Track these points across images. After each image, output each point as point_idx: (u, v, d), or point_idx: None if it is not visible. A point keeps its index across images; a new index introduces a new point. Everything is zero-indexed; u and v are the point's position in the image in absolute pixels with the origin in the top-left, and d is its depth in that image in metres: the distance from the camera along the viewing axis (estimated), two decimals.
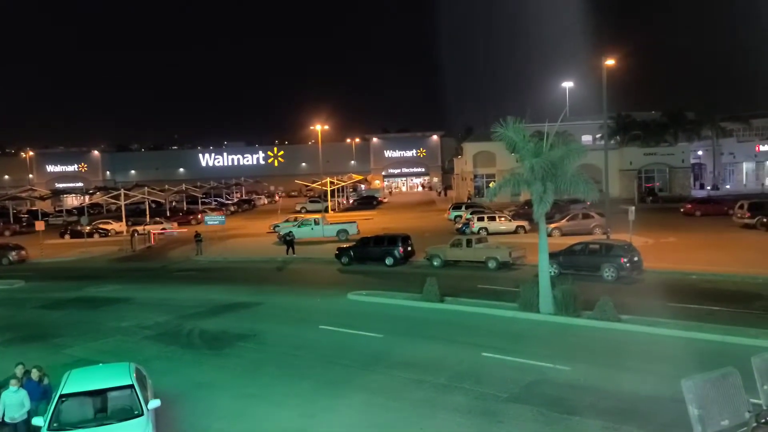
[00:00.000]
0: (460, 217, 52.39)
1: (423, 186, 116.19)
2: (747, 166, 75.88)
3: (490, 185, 72.39)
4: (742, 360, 16.06)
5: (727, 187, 73.37)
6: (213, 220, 50.14)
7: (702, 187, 74.34)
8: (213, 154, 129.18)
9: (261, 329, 21.61)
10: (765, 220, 39.88)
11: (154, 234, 52.23)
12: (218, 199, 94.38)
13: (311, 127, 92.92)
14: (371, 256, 35.00)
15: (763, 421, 5.59)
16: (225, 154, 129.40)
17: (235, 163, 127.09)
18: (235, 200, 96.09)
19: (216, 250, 44.23)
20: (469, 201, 66.89)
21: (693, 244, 36.09)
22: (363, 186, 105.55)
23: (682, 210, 51.80)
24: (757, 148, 73.16)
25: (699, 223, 45.59)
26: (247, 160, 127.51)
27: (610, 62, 36.91)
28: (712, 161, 74.29)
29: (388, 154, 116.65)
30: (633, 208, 34.15)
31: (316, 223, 47.83)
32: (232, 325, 22.40)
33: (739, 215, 42.76)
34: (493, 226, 44.74)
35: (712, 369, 14.43)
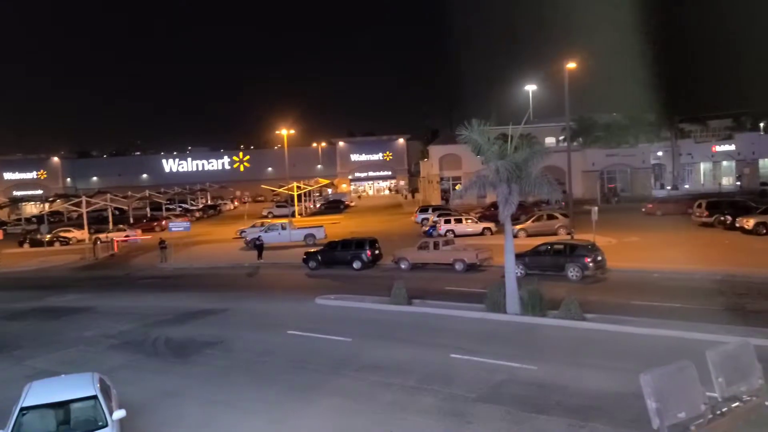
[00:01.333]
0: (427, 219, 52.66)
1: (390, 189, 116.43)
2: (704, 166, 77.85)
3: (456, 188, 73.02)
4: (701, 355, 16.46)
5: (686, 186, 75.08)
6: (177, 226, 49.53)
7: (662, 187, 75.94)
8: (177, 160, 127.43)
9: (228, 336, 21.40)
10: (722, 218, 40.95)
11: (117, 241, 51.36)
12: (183, 205, 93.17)
13: (276, 132, 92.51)
14: (339, 260, 34.94)
15: (718, 412, 5.76)
16: (189, 159, 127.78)
17: (200, 168, 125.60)
18: (201, 206, 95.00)
19: (181, 257, 43.66)
20: (444, 203, 67.40)
21: (655, 243, 36.87)
22: (330, 190, 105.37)
23: (643, 210, 52.88)
24: (713, 149, 75.13)
25: (660, 222, 46.58)
26: (212, 165, 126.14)
27: (572, 65, 37.57)
28: (671, 162, 75.99)
29: (354, 157, 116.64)
30: (596, 208, 34.77)
31: (283, 227, 47.59)
32: (199, 333, 22.14)
33: (697, 214, 43.83)
34: (459, 228, 45.07)
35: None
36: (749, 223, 37.75)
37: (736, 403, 5.96)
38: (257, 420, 13.97)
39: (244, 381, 16.69)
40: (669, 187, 74.08)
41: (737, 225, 38.80)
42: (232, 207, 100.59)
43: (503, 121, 45.01)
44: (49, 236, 54.60)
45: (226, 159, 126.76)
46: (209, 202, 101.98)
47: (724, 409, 5.82)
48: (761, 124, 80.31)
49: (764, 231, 36.50)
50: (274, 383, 16.31)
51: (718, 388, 5.73)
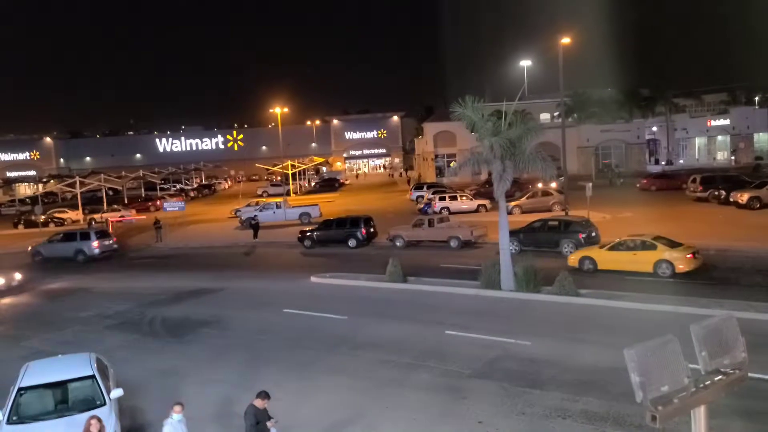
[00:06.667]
0: (422, 197, 52.66)
1: (385, 167, 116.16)
2: (699, 141, 77.78)
3: (451, 165, 72.93)
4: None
5: (681, 162, 75.14)
6: (172, 206, 49.40)
7: (657, 162, 75.99)
8: (170, 139, 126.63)
9: (224, 315, 21.49)
10: (716, 193, 41.07)
11: (111, 222, 51.21)
12: (177, 184, 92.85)
13: (270, 110, 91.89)
14: (334, 238, 34.98)
15: (701, 385, 5.89)
16: (183, 138, 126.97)
17: (194, 147, 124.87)
18: (195, 185, 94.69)
19: (177, 236, 43.64)
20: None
21: (649, 218, 36.91)
22: (325, 168, 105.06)
23: (638, 185, 52.97)
24: (708, 123, 75.04)
25: (654, 197, 46.69)
26: (206, 145, 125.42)
27: (566, 41, 37.34)
28: (666, 137, 75.95)
29: (348, 135, 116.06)
30: (590, 184, 34.83)
31: (278, 206, 47.54)
32: (195, 312, 22.23)
33: (692, 189, 43.93)
34: (454, 205, 45.12)
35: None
36: (743, 197, 37.87)
37: (719, 376, 6.09)
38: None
39: (242, 359, 16.81)
40: (664, 163, 74.13)
41: (731, 200, 38.92)
42: (226, 186, 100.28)
43: (498, 97, 44.93)
44: (43, 217, 54.39)
45: (220, 138, 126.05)
46: (204, 181, 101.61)
47: (707, 382, 5.95)
48: (756, 99, 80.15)
49: (758, 205, 36.65)
50: (271, 361, 16.44)
51: (702, 361, 5.85)
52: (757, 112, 74.18)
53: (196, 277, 29.07)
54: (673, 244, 23.42)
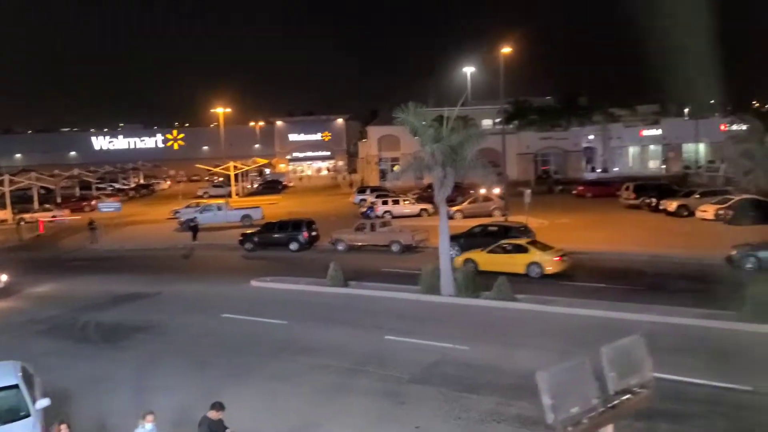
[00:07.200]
0: (365, 200, 52.77)
1: (329, 170, 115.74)
2: (633, 150, 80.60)
3: (395, 168, 73.32)
4: (622, 333, 17.24)
5: (616, 169, 77.66)
6: (108, 206, 48.13)
7: (593, 170, 78.36)
8: (107, 137, 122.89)
9: (161, 320, 21.04)
10: (647, 201, 42.68)
11: (42, 222, 49.33)
12: (114, 184, 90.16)
13: (212, 110, 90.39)
14: (275, 241, 34.67)
15: (609, 405, 6.21)
16: (121, 136, 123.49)
17: (132, 146, 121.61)
18: (133, 185, 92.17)
19: (113, 238, 42.42)
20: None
21: (584, 224, 38.16)
22: (268, 170, 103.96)
23: (574, 192, 54.52)
24: (640, 133, 77.92)
25: (590, 204, 48.16)
26: (145, 143, 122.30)
27: (507, 50, 38.19)
28: (602, 145, 78.43)
29: (293, 137, 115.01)
30: (529, 191, 35.65)
31: (219, 208, 46.82)
32: (131, 317, 21.67)
33: (625, 196, 45.54)
34: (397, 209, 45.40)
35: (596, 343, 15.42)
36: (672, 205, 39.51)
37: (627, 396, 6.43)
38: (192, 404, 13.82)
39: (178, 365, 16.50)
40: (600, 170, 76.50)
41: (661, 207, 40.54)
42: (166, 186, 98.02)
43: (443, 102, 45.42)
44: None
45: (159, 137, 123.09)
46: (142, 181, 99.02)
47: (615, 402, 6.28)
48: (685, 110, 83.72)
49: (686, 213, 38.28)
50: (208, 367, 16.19)
51: (611, 382, 6.18)
52: (686, 123, 77.49)
53: (133, 280, 28.33)
54: (544, 248, 25.19)
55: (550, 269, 24.30)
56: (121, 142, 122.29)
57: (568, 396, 5.99)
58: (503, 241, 26.09)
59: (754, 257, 24.00)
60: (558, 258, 24.62)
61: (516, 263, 24.57)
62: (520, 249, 25.08)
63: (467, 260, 25.50)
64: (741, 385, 13.40)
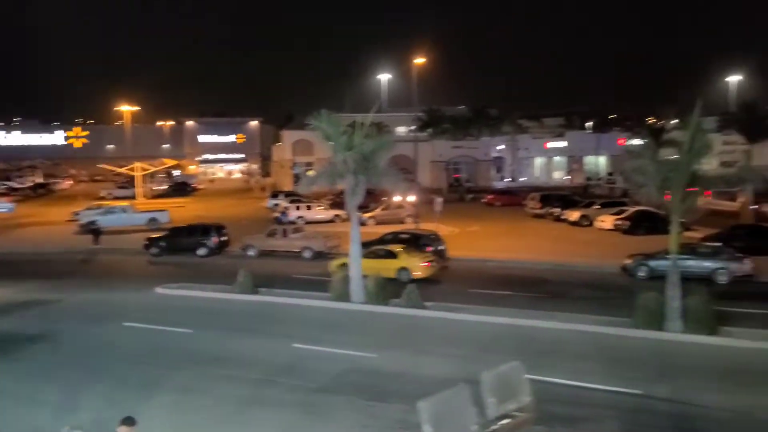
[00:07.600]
0: (278, 205, 52.13)
1: (242, 173, 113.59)
2: (539, 161, 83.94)
3: (308, 173, 72.90)
4: (528, 340, 17.87)
5: (524, 179, 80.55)
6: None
7: (502, 179, 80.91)
8: (1, 132, 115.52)
9: (58, 329, 19.92)
10: (551, 211, 44.51)
11: None
12: (7, 183, 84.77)
13: (116, 108, 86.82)
14: (183, 246, 33.68)
15: (488, 430, 6.47)
16: (17, 132, 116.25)
17: (30, 142, 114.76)
18: (30, 184, 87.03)
19: (4, 240, 39.86)
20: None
21: (493, 232, 39.32)
22: (178, 172, 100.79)
23: (484, 200, 56.09)
24: (545, 145, 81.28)
25: (499, 212, 49.68)
26: (44, 140, 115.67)
27: (421, 60, 38.89)
28: (510, 155, 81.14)
29: (204, 138, 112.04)
30: (440, 199, 36.43)
31: (124, 210, 44.98)
32: (24, 326, 20.43)
33: (531, 206, 47.31)
34: (310, 214, 45.17)
35: (503, 349, 15.88)
36: (574, 215, 41.41)
37: (506, 420, 6.71)
38: (88, 418, 13.17)
39: (74, 378, 15.66)
40: (508, 180, 79.09)
41: (563, 217, 42.38)
42: (66, 186, 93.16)
43: (359, 107, 45.65)
44: None
45: (60, 133, 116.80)
46: (40, 180, 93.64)
47: (494, 427, 6.55)
48: (588, 124, 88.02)
49: (586, 223, 40.19)
50: (107, 379, 15.47)
51: (490, 407, 6.44)
52: (588, 136, 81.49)
53: (27, 287, 26.69)
54: (413, 254, 26.43)
55: (417, 274, 25.34)
56: (16, 138, 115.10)
57: (448, 423, 6.18)
58: (375, 247, 27.04)
59: (646, 266, 25.52)
60: (426, 264, 25.78)
61: (388, 268, 25.31)
62: (391, 255, 26.25)
63: (343, 264, 25.19)
64: (632, 389, 14.21)
